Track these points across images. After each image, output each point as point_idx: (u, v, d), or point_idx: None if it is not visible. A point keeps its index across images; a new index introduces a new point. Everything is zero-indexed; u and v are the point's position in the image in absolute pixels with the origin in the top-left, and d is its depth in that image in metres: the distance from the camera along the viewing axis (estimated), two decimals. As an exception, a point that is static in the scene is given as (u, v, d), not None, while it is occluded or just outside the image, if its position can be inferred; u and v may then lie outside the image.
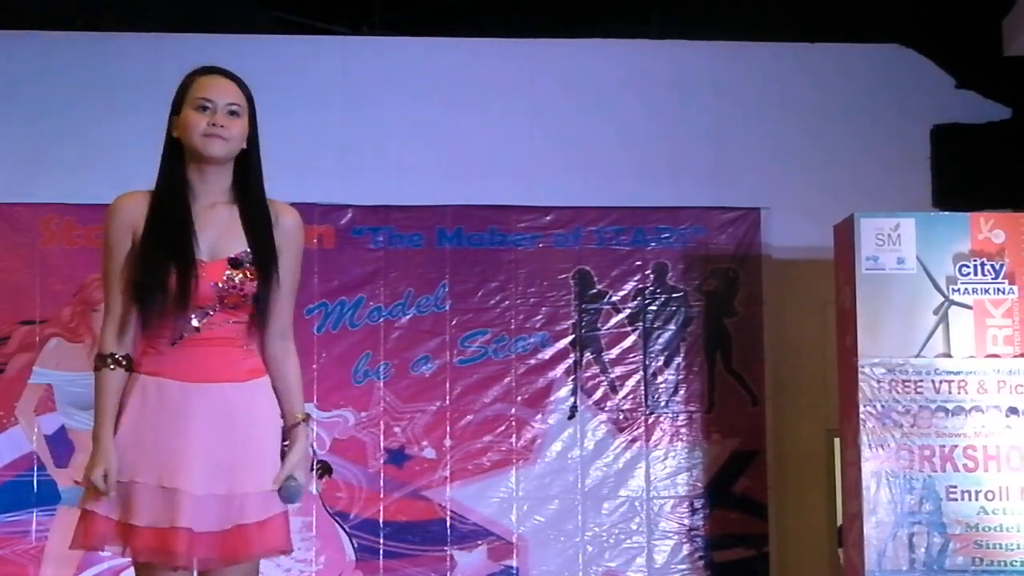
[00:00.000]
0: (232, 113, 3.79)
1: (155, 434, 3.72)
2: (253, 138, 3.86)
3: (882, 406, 6.90)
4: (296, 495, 3.78)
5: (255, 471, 3.76)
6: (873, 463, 6.88)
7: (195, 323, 3.75)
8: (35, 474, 7.65)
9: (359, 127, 8.14)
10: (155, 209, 3.79)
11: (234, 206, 3.85)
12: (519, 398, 7.99)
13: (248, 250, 3.80)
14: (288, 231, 3.88)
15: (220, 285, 3.75)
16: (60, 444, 7.67)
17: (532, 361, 8.02)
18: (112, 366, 3.77)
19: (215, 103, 3.77)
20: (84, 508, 3.76)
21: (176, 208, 3.78)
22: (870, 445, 6.88)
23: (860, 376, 6.92)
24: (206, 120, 3.76)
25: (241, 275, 3.77)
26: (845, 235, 7.13)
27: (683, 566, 7.89)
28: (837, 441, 7.56)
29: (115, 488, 3.69)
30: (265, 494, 3.76)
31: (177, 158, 3.82)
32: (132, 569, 7.23)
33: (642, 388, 8.03)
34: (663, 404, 8.02)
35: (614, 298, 8.10)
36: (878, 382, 6.91)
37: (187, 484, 3.68)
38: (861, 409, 6.90)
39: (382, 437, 7.87)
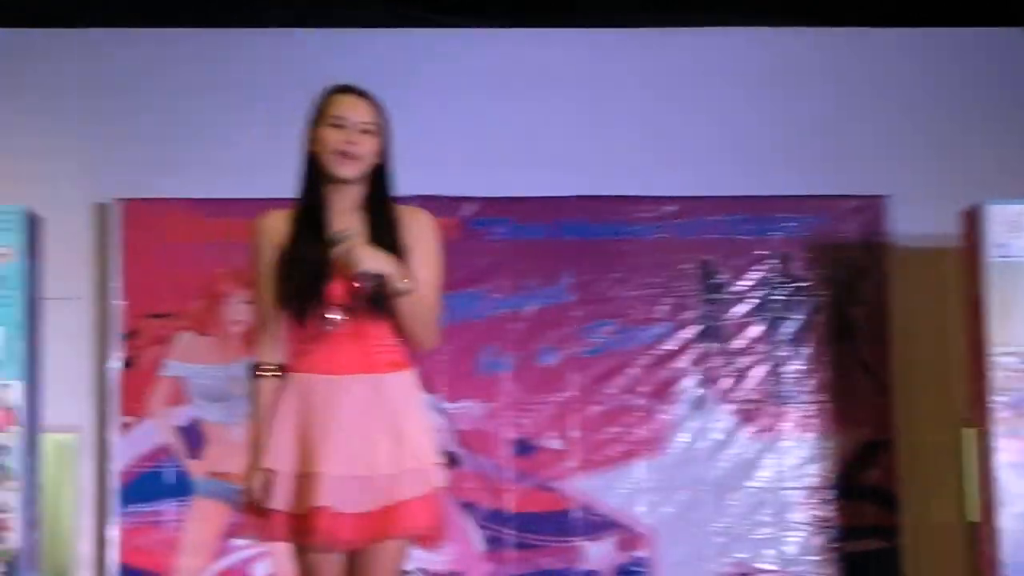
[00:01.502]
0: (365, 132, 4.00)
1: (304, 425, 3.95)
2: (386, 153, 4.07)
3: (1015, 396, 6.81)
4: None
5: (400, 452, 3.94)
6: (1006, 453, 6.80)
7: (335, 321, 3.96)
8: (169, 466, 7.77)
9: (484, 120, 8.17)
10: (296, 222, 4.04)
11: (366, 214, 4.06)
12: (644, 389, 7.96)
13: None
14: (417, 232, 4.07)
15: (352, 287, 3.93)
16: (193, 436, 7.79)
17: (657, 352, 8.00)
18: (267, 374, 4.05)
19: (348, 121, 3.99)
20: (254, 506, 3.99)
21: (313, 219, 4.02)
22: (1003, 435, 6.80)
23: (992, 366, 6.84)
24: (340, 138, 3.98)
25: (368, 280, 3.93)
26: (973, 222, 7.04)
27: (814, 557, 7.83)
28: (969, 431, 7.46)
29: (273, 482, 3.93)
30: (411, 474, 3.93)
31: (314, 171, 4.06)
32: (266, 559, 7.32)
33: (768, 378, 7.98)
34: (790, 394, 7.96)
35: (738, 288, 8.05)
36: (1011, 371, 6.81)
37: (325, 466, 3.87)
38: (993, 399, 6.82)
39: (509, 428, 7.90)
